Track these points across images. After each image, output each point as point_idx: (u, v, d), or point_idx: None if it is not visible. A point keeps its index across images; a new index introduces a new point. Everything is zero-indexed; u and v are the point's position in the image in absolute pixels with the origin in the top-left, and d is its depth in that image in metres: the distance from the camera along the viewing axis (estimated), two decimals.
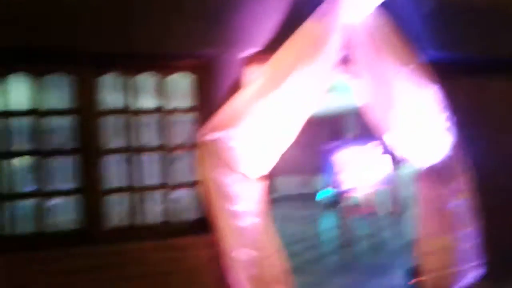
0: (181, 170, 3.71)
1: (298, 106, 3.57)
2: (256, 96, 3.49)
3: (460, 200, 3.88)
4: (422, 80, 3.76)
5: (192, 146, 3.63)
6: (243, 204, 3.50)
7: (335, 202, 11.15)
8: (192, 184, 3.65)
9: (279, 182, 13.16)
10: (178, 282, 3.45)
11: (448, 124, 3.84)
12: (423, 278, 3.89)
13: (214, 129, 3.44)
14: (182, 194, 3.71)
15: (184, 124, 3.76)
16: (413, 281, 4.15)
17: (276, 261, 3.58)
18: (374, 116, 3.82)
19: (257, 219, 3.54)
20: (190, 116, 3.72)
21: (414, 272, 4.10)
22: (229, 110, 3.47)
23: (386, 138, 3.86)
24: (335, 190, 7.33)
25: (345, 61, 3.72)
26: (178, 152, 3.70)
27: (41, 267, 3.24)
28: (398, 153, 3.97)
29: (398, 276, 4.75)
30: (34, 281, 3.21)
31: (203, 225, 3.54)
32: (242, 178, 3.52)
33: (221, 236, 3.41)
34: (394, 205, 9.50)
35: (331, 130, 13.59)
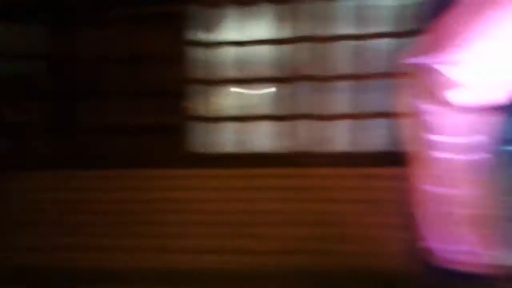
0: (379, 99, 3.58)
1: None
2: (476, 15, 2.98)
3: None
4: None
5: (393, 73, 3.41)
6: (445, 136, 3.17)
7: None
8: (389, 114, 3.47)
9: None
10: (362, 212, 3.46)
11: None
12: None
13: (421, 53, 3.13)
14: (377, 124, 3.61)
15: (386, 50, 3.56)
16: None
17: (477, 203, 3.19)
18: None
19: (459, 155, 3.18)
20: (394, 41, 3.49)
21: None
22: (442, 30, 3.04)
23: None
24: None
25: None
26: (377, 80, 3.55)
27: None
28: None
29: None
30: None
31: (396, 158, 3.39)
32: (446, 107, 3.16)
33: (415, 169, 3.21)
34: None
35: None
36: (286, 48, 3.67)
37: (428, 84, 3.16)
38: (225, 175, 3.69)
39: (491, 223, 3.20)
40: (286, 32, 3.67)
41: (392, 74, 3.36)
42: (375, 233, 3.43)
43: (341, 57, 3.58)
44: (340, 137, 3.65)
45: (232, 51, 3.78)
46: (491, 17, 2.87)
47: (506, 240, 3.13)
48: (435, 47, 3.00)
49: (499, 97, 3.02)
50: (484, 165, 3.17)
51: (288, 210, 3.55)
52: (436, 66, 2.99)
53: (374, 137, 3.57)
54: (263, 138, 3.84)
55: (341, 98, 3.61)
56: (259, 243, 3.57)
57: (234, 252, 3.60)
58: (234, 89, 3.93)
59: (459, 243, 3.27)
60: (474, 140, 3.13)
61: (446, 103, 3.14)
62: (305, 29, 3.61)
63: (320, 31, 3.60)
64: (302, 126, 3.64)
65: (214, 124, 3.87)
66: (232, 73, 3.84)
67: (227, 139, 3.86)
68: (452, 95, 3.06)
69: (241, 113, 3.81)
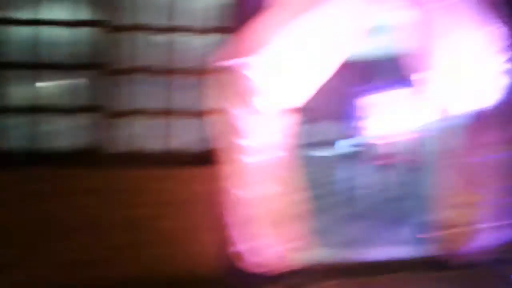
0: (192, 98, 3.45)
1: (334, 38, 3.19)
2: (285, 21, 3.12)
3: (492, 154, 3.51)
4: (480, 15, 3.29)
5: (207, 72, 3.33)
6: (254, 140, 3.25)
7: (358, 149, 10.87)
8: (202, 114, 3.39)
9: (309, 128, 12.86)
10: (174, 214, 3.30)
11: (505, 66, 3.41)
12: (436, 232, 3.63)
13: (233, 55, 3.14)
14: (190, 124, 3.48)
15: (200, 48, 3.47)
16: (426, 234, 3.89)
17: (286, 203, 3.36)
18: (416, 55, 3.42)
19: (273, 156, 3.29)
20: (208, 39, 3.42)
21: (429, 225, 3.84)
22: (253, 34, 3.13)
23: (426, 78, 3.45)
24: (359, 137, 6.98)
25: None
26: (191, 78, 3.42)
27: (40, 185, 3.12)
28: (440, 98, 3.57)
29: (412, 228, 4.51)
30: (31, 198, 3.11)
31: (206, 158, 3.32)
32: (254, 112, 3.24)
33: (225, 172, 3.20)
34: (419, 156, 9.12)
35: (362, 75, 12.97)
36: (86, 33, 3.23)
37: (235, 86, 3.15)
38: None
39: (292, 221, 3.37)
40: (84, 15, 3.23)
41: (204, 72, 3.31)
42: (188, 236, 3.30)
43: (149, 50, 3.34)
44: (150, 136, 3.40)
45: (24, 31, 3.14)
46: (292, 24, 3.07)
47: (309, 235, 3.45)
48: (242, 50, 3.09)
49: (296, 100, 3.26)
50: (283, 166, 3.32)
51: (89, 216, 3.13)
52: (243, 69, 3.10)
53: (186, 136, 3.44)
54: (59, 133, 3.30)
55: (150, 93, 3.35)
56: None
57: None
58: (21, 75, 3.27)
59: (264, 244, 3.39)
60: (275, 142, 3.35)
61: (250, 107, 3.17)
62: (110, 16, 3.24)
63: (127, 20, 3.29)
64: (103, 122, 3.25)
65: None
66: (20, 57, 3.19)
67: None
68: (255, 99, 3.17)
69: (30, 104, 3.19)
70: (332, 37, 3.18)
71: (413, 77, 3.57)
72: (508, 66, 3.41)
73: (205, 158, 3.32)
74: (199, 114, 3.38)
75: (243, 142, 3.22)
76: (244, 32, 3.10)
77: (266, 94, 3.21)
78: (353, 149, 10.77)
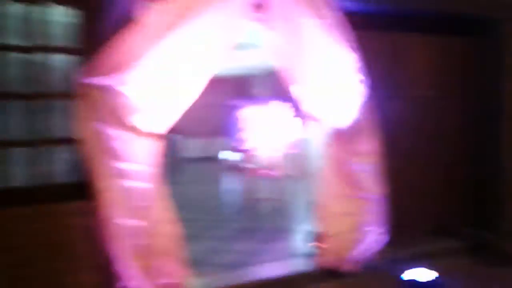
0: (57, 123, 3.10)
1: (202, 55, 3.11)
2: (153, 37, 2.94)
3: (367, 163, 3.74)
4: (337, 34, 3.49)
5: (71, 94, 2.98)
6: (132, 163, 3.01)
7: (239, 163, 11.05)
8: (70, 140, 3.05)
9: (183, 144, 12.71)
10: (48, 257, 2.91)
11: (361, 83, 3.63)
12: (321, 243, 3.76)
13: (100, 73, 2.85)
14: (57, 152, 3.11)
15: (61, 68, 3.13)
16: (312, 244, 4.03)
17: (166, 231, 3.19)
18: (286, 71, 3.52)
19: (147, 183, 3.08)
20: (68, 59, 3.09)
21: (314, 236, 3.97)
22: (119, 51, 2.87)
23: (296, 93, 3.57)
24: (239, 151, 7.05)
25: (257, 7, 3.33)
26: (53, 101, 3.07)
27: None
28: (307, 112, 3.73)
29: (299, 240, 4.63)
30: None
31: (80, 190, 3.00)
32: (131, 132, 3.01)
33: (103, 201, 2.89)
34: (299, 168, 9.56)
35: (237, 90, 13.28)
36: None
37: (109, 107, 2.88)
38: None
39: (174, 251, 3.17)
40: None
41: (68, 95, 2.99)
42: (63, 280, 2.92)
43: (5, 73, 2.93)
44: (14, 169, 2.95)
45: None
46: (164, 41, 2.89)
47: (188, 265, 3.29)
48: (112, 67, 2.83)
49: (169, 118, 3.06)
50: (160, 190, 3.11)
51: None
52: (115, 88, 2.85)
53: (56, 166, 3.06)
54: None
55: (8, 120, 2.92)
56: None
57: None
58: None
59: (158, 276, 3.18)
60: (154, 165, 3.14)
61: (129, 128, 2.93)
62: None
63: None
64: None
65: None
66: None
67: None
68: (133, 119, 2.94)
69: None
70: (201, 53, 3.12)
71: (287, 92, 3.67)
72: (362, 85, 3.67)
73: (80, 190, 2.98)
74: (68, 140, 3.04)
75: (121, 165, 2.97)
76: (110, 49, 2.87)
77: (143, 112, 3.02)
78: (235, 162, 10.96)
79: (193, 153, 13.04)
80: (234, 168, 10.92)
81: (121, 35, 2.88)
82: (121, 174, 2.97)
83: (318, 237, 3.81)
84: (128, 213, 2.99)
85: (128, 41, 2.89)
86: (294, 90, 3.55)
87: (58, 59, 3.11)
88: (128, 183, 3.00)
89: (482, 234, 4.59)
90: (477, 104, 4.82)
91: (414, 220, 4.45)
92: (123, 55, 2.89)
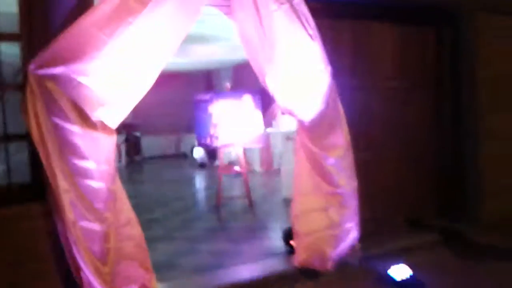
0: (9, 118, 2.82)
1: (160, 42, 2.89)
2: (112, 23, 2.68)
3: (337, 157, 3.61)
4: (300, 21, 3.32)
5: (18, 85, 2.73)
6: (92, 161, 2.76)
7: (207, 160, 10.85)
8: (21, 137, 2.77)
9: (147, 142, 12.37)
10: (5, 264, 2.63)
11: (326, 72, 3.48)
12: (296, 241, 3.61)
13: (51, 62, 2.58)
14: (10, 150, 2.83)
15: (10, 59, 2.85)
16: (287, 243, 3.88)
17: (130, 233, 2.97)
18: (254, 62, 3.34)
19: (108, 183, 2.85)
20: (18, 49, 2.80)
21: (289, 234, 3.82)
22: (72, 37, 2.61)
23: (268, 85, 3.39)
24: (208, 148, 6.85)
25: None
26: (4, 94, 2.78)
27: None
28: (279, 104, 3.56)
29: (273, 239, 4.47)
30: None
31: (37, 191, 2.73)
32: (93, 128, 2.76)
33: (59, 202, 2.65)
34: (267, 163, 9.44)
35: (203, 85, 13.02)
36: None
37: (68, 99, 2.62)
38: None
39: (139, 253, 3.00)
40: None
41: (20, 87, 2.71)
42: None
43: None
44: None
45: None
46: (124, 28, 2.65)
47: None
48: (68, 56, 2.57)
49: (126, 114, 2.86)
50: (122, 188, 2.95)
51: None
52: (75, 78, 2.59)
53: (6, 166, 2.77)
54: None
55: None
56: None
57: None
58: None
59: (124, 282, 2.94)
60: (113, 164, 2.84)
61: (91, 122, 2.71)
62: None
63: None
64: None
65: None
66: None
67: None
68: (97, 113, 2.71)
69: None
70: (159, 40, 2.89)
71: (252, 84, 3.49)
72: (327, 75, 3.52)
73: (37, 191, 2.72)
74: (22, 136, 2.76)
75: (81, 164, 2.72)
76: (64, 37, 2.60)
77: (107, 105, 2.77)
78: (204, 159, 10.74)
79: (160, 151, 12.71)
80: (202, 165, 10.74)
81: (75, 21, 2.62)
82: (82, 173, 2.73)
83: (293, 235, 3.65)
84: (89, 215, 2.75)
85: (83, 28, 2.63)
86: (266, 82, 3.36)
87: (8, 49, 2.81)
88: (88, 183, 2.76)
89: (455, 226, 4.57)
90: (450, 95, 4.78)
91: (386, 214, 4.39)
92: (78, 43, 2.63)
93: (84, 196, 2.73)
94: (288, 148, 8.90)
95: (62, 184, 2.66)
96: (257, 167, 9.49)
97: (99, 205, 2.80)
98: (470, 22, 4.60)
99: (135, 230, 3.03)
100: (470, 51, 4.64)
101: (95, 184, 2.78)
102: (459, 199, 4.78)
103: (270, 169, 9.29)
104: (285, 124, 9.06)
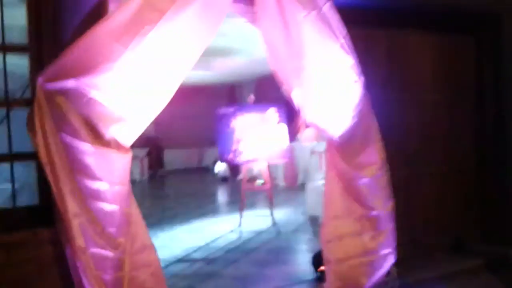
0: (15, 136, 2.62)
1: (177, 51, 2.66)
2: (126, 34, 2.47)
3: (370, 176, 3.29)
4: (331, 29, 3.05)
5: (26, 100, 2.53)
6: (102, 181, 2.53)
7: (230, 174, 10.62)
8: (31, 156, 2.56)
9: (169, 155, 12.23)
10: None
11: (359, 83, 3.19)
12: (328, 268, 3.29)
13: (62, 75, 2.36)
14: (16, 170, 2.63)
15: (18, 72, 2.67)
16: (319, 269, 3.56)
17: (145, 259, 2.72)
18: (281, 73, 3.08)
19: (121, 205, 2.61)
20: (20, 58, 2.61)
21: (320, 259, 3.50)
22: (86, 50, 2.38)
23: (295, 98, 3.12)
24: (231, 163, 6.60)
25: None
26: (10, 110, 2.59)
27: None
28: (307, 118, 3.27)
29: (302, 263, 4.16)
30: None
31: (42, 214, 2.51)
32: (107, 146, 2.53)
33: (68, 227, 2.40)
34: (291, 178, 9.14)
35: (226, 99, 12.86)
36: None
37: (79, 115, 2.39)
38: None
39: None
40: None
41: (28, 102, 2.51)
42: None
43: None
44: None
45: None
46: (139, 39, 2.45)
47: None
48: (78, 69, 2.35)
49: (142, 130, 2.64)
50: (137, 211, 2.70)
51: None
52: (86, 93, 2.37)
53: (11, 188, 2.57)
54: None
55: None
56: None
57: None
58: None
59: None
60: (127, 184, 2.57)
61: (105, 140, 2.47)
62: None
63: None
64: None
65: None
66: None
67: None
68: (111, 130, 2.48)
69: None
70: (174, 56, 2.66)
71: (277, 98, 3.23)
72: (360, 87, 3.22)
73: (44, 215, 2.50)
74: (29, 156, 2.56)
75: (93, 185, 2.49)
76: (75, 48, 2.39)
77: (122, 122, 2.55)
78: (225, 173, 10.52)
79: (182, 165, 12.56)
80: (224, 179, 10.51)
81: (88, 31, 2.40)
82: (93, 195, 2.50)
83: (324, 261, 3.33)
84: (101, 240, 2.52)
85: (97, 38, 2.42)
86: (293, 95, 3.10)
87: (15, 62, 2.63)
88: (101, 206, 2.53)
89: (501, 250, 4.17)
90: (490, 107, 4.41)
91: (425, 236, 4.03)
92: (91, 54, 2.42)
93: (96, 220, 2.49)
94: (312, 163, 8.70)
95: (71, 207, 2.43)
96: (281, 182, 9.20)
97: (112, 230, 2.56)
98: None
99: (152, 257, 2.77)
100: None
101: (108, 207, 2.55)
102: (505, 219, 4.37)
103: (294, 185, 8.98)
104: (310, 138, 8.78)
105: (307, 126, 9.28)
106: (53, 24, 2.54)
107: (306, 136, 9.01)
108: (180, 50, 2.66)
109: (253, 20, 3.08)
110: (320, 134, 8.41)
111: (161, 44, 2.56)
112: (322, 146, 8.49)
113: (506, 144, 4.37)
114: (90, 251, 2.46)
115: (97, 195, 2.50)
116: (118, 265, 2.56)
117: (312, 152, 8.70)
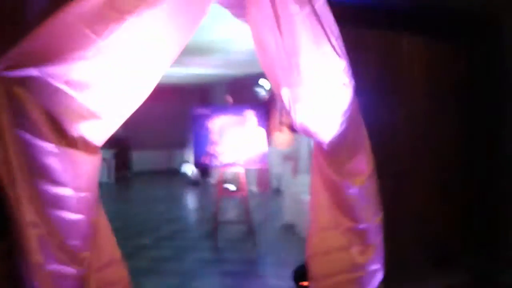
0: None
1: (157, 43, 2.38)
2: (97, 17, 2.16)
3: (359, 185, 3.08)
4: (323, 28, 2.82)
5: None
6: (66, 186, 2.20)
7: (202, 178, 10.29)
8: None
9: (137, 157, 11.79)
10: None
11: (349, 86, 2.98)
12: (310, 284, 3.05)
13: (23, 62, 2.04)
14: None
15: None
16: (301, 284, 3.32)
17: (112, 276, 2.43)
18: (269, 72, 2.86)
19: (86, 214, 2.29)
20: None
21: (302, 274, 3.26)
22: (50, 33, 2.08)
23: (284, 99, 2.89)
24: (206, 166, 6.30)
25: None
26: None
27: None
28: (295, 121, 3.03)
29: (281, 276, 3.91)
30: None
31: None
32: (73, 145, 2.21)
33: (24, 239, 2.07)
34: (264, 183, 8.92)
35: (197, 99, 12.53)
36: None
37: (42, 109, 2.09)
38: None
39: None
40: None
41: None
42: None
43: None
44: None
45: None
46: (114, 26, 2.14)
47: None
48: (44, 56, 2.08)
49: (113, 130, 2.40)
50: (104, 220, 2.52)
51: None
52: (52, 83, 2.09)
53: None
54: None
55: None
56: None
57: None
58: None
59: None
60: (93, 190, 2.37)
61: (72, 139, 2.18)
62: None
63: None
64: None
65: None
66: None
67: None
68: (80, 128, 2.21)
69: None
70: (153, 47, 2.39)
71: (263, 98, 2.99)
72: (350, 89, 3.03)
73: None
74: None
75: (54, 190, 2.17)
76: (39, 33, 2.07)
77: (92, 118, 2.25)
78: (196, 176, 10.17)
79: (150, 166, 12.15)
80: (195, 183, 10.16)
81: (55, 13, 2.08)
82: (55, 203, 2.17)
83: (308, 277, 3.09)
84: (62, 255, 2.20)
85: (65, 23, 2.10)
86: (282, 93, 2.86)
87: None
88: (63, 215, 2.21)
89: (487, 265, 4.06)
90: (479, 116, 4.30)
91: (410, 250, 3.86)
92: (58, 40, 2.10)
93: (57, 232, 2.17)
94: (286, 168, 8.54)
95: (29, 216, 2.09)
96: (254, 187, 8.96)
97: (76, 243, 2.25)
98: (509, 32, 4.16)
99: (120, 273, 2.48)
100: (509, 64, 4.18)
101: (72, 216, 2.23)
102: (491, 234, 4.27)
103: (267, 190, 8.77)
104: (283, 143, 8.60)
105: (280, 130, 9.13)
106: (14, 3, 2.20)
107: (279, 141, 8.83)
108: (160, 41, 2.39)
109: (241, 14, 2.84)
110: (297, 140, 8.31)
111: (140, 34, 2.27)
112: (295, 152, 8.40)
113: (498, 155, 4.28)
114: (49, 268, 2.13)
115: (59, 203, 2.17)
116: (81, 284, 2.25)
117: (286, 157, 8.55)
